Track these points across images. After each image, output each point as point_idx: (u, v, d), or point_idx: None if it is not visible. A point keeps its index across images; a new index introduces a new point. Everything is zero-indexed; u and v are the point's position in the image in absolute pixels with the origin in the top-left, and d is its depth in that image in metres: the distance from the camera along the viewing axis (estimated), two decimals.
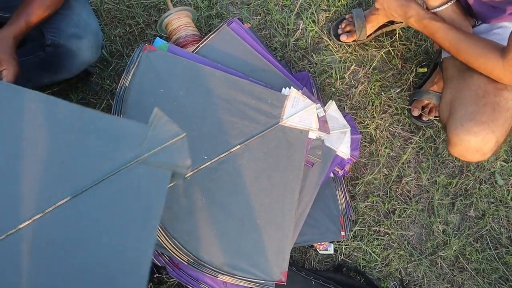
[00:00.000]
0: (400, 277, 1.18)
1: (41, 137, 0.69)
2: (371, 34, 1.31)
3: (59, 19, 1.00)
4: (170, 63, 1.05)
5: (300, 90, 1.08)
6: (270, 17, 1.34)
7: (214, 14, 1.32)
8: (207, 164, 0.99)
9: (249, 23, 1.31)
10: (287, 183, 1.02)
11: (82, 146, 0.70)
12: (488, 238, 1.24)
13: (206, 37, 1.10)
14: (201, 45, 1.09)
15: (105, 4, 1.30)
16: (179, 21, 1.20)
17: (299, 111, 1.05)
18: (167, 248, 0.95)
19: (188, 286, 1.02)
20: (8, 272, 0.62)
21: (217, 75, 1.04)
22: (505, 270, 1.22)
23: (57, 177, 0.67)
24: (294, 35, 1.33)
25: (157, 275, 1.10)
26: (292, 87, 1.07)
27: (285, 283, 1.02)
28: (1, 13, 1.06)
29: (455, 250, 1.21)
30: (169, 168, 0.70)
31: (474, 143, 0.88)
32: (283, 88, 1.08)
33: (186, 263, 0.95)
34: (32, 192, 0.66)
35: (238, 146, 1.01)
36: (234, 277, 0.96)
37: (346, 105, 1.28)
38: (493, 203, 1.27)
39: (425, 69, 1.32)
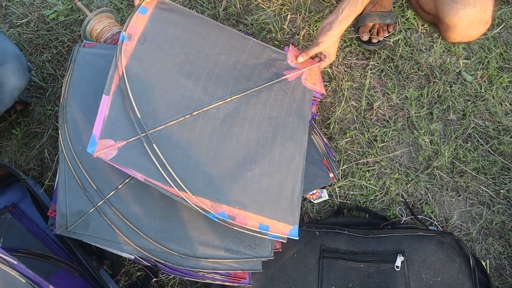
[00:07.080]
0: (403, 200, 1.12)
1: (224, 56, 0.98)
2: None
3: None
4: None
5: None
6: None
7: None
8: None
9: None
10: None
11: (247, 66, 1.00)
12: (476, 135, 1.20)
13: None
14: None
15: (24, 35, 1.25)
16: (101, 24, 1.15)
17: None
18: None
19: (186, 278, 0.95)
20: (204, 133, 0.90)
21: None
22: (503, 160, 1.18)
23: (234, 80, 0.96)
24: (221, 5, 1.29)
25: (155, 279, 1.03)
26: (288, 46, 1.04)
27: (281, 250, 0.97)
28: None
29: (448, 157, 1.17)
30: None
31: (475, 14, 0.83)
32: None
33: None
34: (216, 87, 0.95)
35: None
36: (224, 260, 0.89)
37: None
38: (469, 100, 1.23)
39: None
